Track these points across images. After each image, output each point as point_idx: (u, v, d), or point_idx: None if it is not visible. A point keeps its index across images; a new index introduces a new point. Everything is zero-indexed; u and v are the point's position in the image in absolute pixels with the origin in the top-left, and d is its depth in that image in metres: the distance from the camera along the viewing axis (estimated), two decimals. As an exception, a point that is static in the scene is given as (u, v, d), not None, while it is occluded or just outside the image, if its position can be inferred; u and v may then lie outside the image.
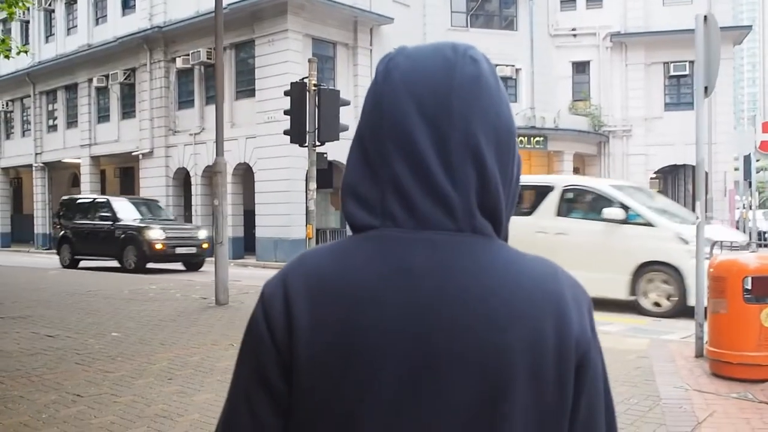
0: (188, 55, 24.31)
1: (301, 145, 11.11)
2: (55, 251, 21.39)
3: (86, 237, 19.48)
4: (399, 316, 0.82)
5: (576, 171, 27.07)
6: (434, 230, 0.85)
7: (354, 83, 24.01)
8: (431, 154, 0.85)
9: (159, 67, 26.21)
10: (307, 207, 11.23)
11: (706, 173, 27.55)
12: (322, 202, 25.40)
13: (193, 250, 19.03)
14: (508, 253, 0.87)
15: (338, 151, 23.80)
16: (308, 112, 10.79)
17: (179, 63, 24.82)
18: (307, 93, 10.83)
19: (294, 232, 22.06)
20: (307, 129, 10.82)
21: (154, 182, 26.57)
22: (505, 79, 27.78)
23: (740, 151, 21.22)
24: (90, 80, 28.97)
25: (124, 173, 30.97)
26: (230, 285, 10.75)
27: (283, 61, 21.97)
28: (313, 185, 11.23)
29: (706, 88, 7.53)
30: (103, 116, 29.37)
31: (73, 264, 19.88)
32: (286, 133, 11.49)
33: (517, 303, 0.82)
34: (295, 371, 0.84)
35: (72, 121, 30.71)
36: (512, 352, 0.81)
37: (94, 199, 21.19)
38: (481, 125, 0.86)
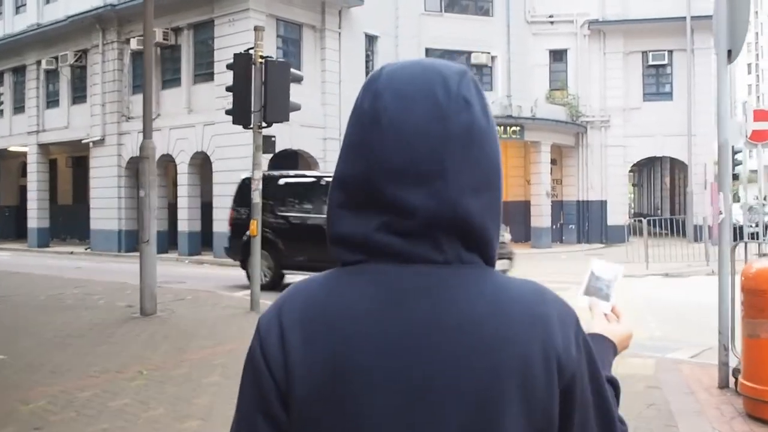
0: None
1: (246, 127, 9.70)
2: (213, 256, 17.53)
3: (300, 237, 12.62)
4: (389, 349, 0.84)
5: (554, 162, 25.99)
6: (422, 263, 0.87)
7: (321, 68, 22.59)
8: (420, 206, 0.86)
9: (112, 49, 24.49)
10: (251, 200, 9.82)
11: (686, 165, 26.92)
12: (287, 194, 23.93)
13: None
14: (496, 280, 0.89)
15: (306, 142, 22.74)
16: (254, 89, 9.37)
17: (134, 44, 23.08)
18: (253, 66, 9.39)
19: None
20: (252, 108, 9.39)
21: (105, 172, 24.86)
22: (480, 66, 26.60)
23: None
24: (38, 62, 27.05)
25: (76, 162, 29.10)
26: (169, 289, 9.32)
27: (244, 42, 20.35)
28: (258, 174, 9.81)
29: (729, 52, 5.92)
30: (52, 101, 27.51)
31: (276, 281, 12.83)
32: (228, 113, 10.06)
33: (505, 329, 0.84)
34: (292, 403, 0.86)
35: (19, 107, 28.74)
36: (503, 378, 0.82)
37: (319, 178, 14.01)
38: (471, 174, 0.88)
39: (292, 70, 10.30)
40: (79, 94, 26.36)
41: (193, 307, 9.77)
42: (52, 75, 27.28)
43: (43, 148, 28.00)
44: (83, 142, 25.36)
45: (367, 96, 0.90)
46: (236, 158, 20.71)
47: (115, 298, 10.64)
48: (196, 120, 21.90)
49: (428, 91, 0.87)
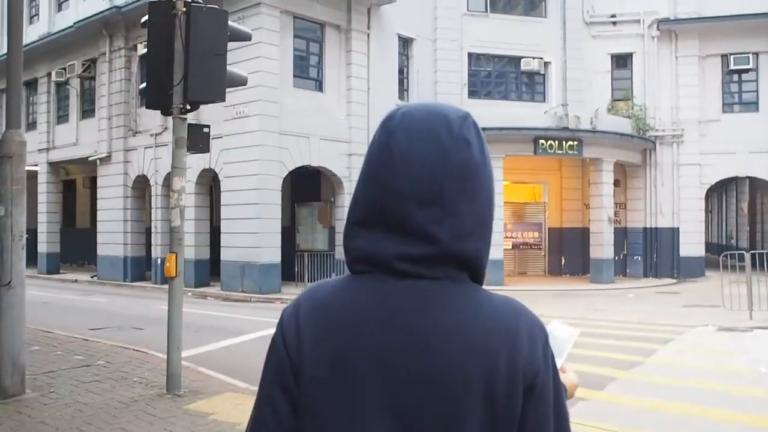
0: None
1: (165, 113, 6.76)
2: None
3: None
4: (378, 345, 1.02)
5: (617, 184, 22.45)
6: (416, 278, 1.04)
7: (347, 74, 19.75)
8: (420, 230, 1.03)
9: (119, 56, 22.22)
10: (170, 221, 6.82)
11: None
12: (309, 218, 21.15)
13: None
14: (478, 296, 1.05)
15: (329, 158, 19.93)
16: (176, 55, 6.42)
17: (141, 49, 20.65)
18: (177, 21, 6.43)
19: (264, 255, 17.75)
20: (174, 82, 6.42)
21: (111, 192, 22.48)
22: (531, 73, 23.41)
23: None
24: (49, 75, 25.01)
25: (93, 183, 26.84)
26: (93, 344, 6.43)
27: (255, 42, 17.74)
28: (180, 182, 6.76)
29: None
30: (62, 116, 25.43)
31: None
32: (141, 93, 7.15)
33: (477, 338, 1.01)
34: (301, 380, 1.04)
35: (31, 122, 26.73)
36: (471, 380, 0.99)
37: None
38: (468, 204, 1.04)
39: (234, 24, 7.30)
40: (87, 108, 24.22)
41: (92, 380, 6.84)
42: (62, 88, 25.24)
43: (54, 166, 25.94)
44: (90, 159, 23.08)
45: (384, 133, 1.08)
46: (246, 176, 17.99)
47: None
48: (204, 133, 19.26)
49: (434, 132, 1.05)
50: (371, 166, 1.07)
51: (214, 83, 6.51)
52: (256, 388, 6.88)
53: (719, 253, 35.78)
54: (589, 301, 16.34)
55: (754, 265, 13.74)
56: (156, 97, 6.60)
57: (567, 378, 1.31)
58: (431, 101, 1.31)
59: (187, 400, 6.16)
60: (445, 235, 1.02)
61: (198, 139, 6.93)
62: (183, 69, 6.34)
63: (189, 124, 6.78)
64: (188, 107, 6.53)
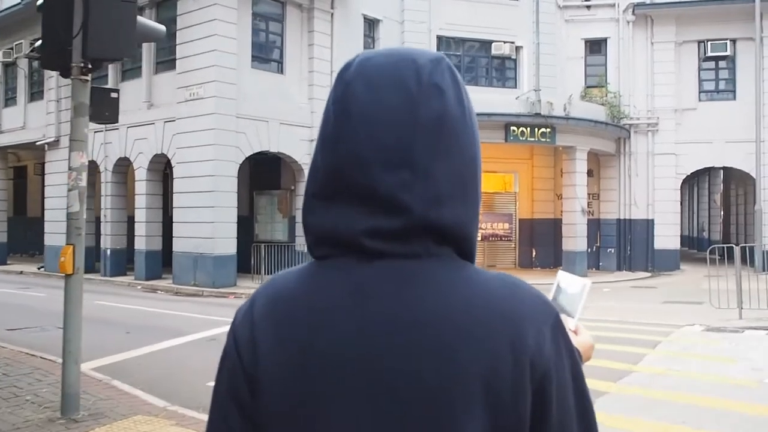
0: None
1: (64, 74, 5.68)
2: None
3: None
4: (353, 340, 0.85)
5: (590, 174, 21.68)
6: (391, 258, 0.87)
7: (309, 55, 18.68)
8: (388, 199, 0.86)
9: (68, 35, 20.88)
10: (67, 208, 5.77)
11: (754, 179, 22.51)
12: (268, 207, 20.08)
13: None
14: (466, 274, 0.88)
15: (289, 144, 18.89)
16: (75, 1, 5.35)
17: None
18: None
19: (219, 246, 16.68)
20: (73, 34, 5.36)
21: (60, 179, 21.08)
22: (502, 58, 22.55)
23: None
24: (-4, 54, 23.60)
25: (44, 170, 25.51)
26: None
27: (210, 19, 16.65)
28: (79, 158, 5.66)
29: None
30: (10, 98, 24.04)
31: None
32: (37, 51, 6.07)
33: (471, 326, 0.84)
34: (259, 390, 0.88)
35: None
36: (466, 377, 0.82)
37: None
38: (443, 164, 0.88)
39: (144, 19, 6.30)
40: (36, 90, 22.88)
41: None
42: (10, 69, 23.87)
43: (2, 152, 24.55)
44: (38, 144, 21.78)
45: (339, 86, 0.91)
46: (200, 161, 16.89)
47: None
48: (156, 116, 18.15)
49: (399, 79, 0.88)
50: (328, 127, 0.91)
51: (122, 36, 5.44)
52: (176, 408, 5.35)
53: (690, 246, 35.59)
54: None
55: (726, 256, 13.02)
56: (51, 54, 5.54)
57: (580, 340, 1.13)
58: (397, 46, 0.78)
59: (82, 427, 5.12)
60: (417, 201, 0.86)
61: (104, 107, 5.87)
62: (82, 19, 5.28)
63: (93, 88, 5.72)
64: (89, 66, 5.48)
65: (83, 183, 5.66)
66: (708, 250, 13.88)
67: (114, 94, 6.07)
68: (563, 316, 1.10)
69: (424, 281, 0.86)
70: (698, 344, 9.71)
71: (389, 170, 0.86)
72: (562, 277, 1.20)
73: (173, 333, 9.85)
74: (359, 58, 0.92)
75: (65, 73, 5.57)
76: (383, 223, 0.86)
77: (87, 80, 5.57)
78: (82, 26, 5.27)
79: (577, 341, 1.09)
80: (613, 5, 22.32)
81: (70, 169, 5.61)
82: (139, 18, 5.78)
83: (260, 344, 0.88)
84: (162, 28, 6.42)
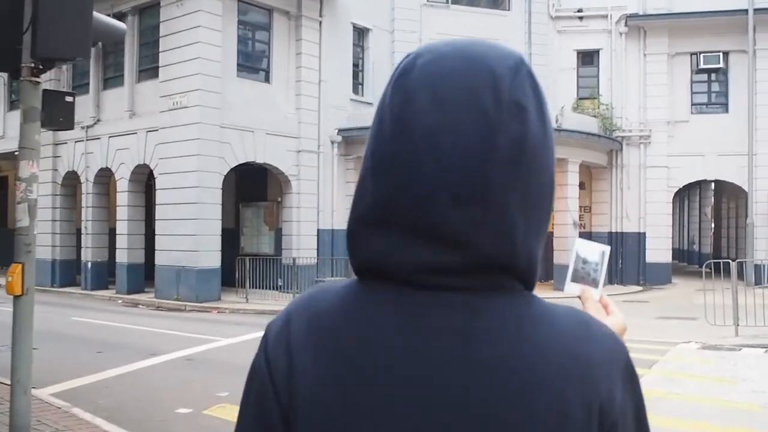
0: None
1: (13, 75, 5.22)
2: None
3: None
4: (410, 387, 0.76)
5: (581, 186, 21.38)
6: (450, 291, 0.78)
7: (296, 64, 18.29)
8: (455, 236, 0.76)
9: (50, 42, 20.41)
10: (16, 222, 5.33)
11: (746, 192, 22.28)
12: (254, 219, 19.62)
13: None
14: (537, 310, 0.80)
15: (276, 154, 18.48)
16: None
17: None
18: None
19: (203, 259, 16.20)
20: (23, 30, 4.91)
21: (40, 190, 20.30)
22: (493, 69, 22.23)
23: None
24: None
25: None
26: None
27: (194, 26, 16.23)
28: (29, 168, 5.17)
29: None
30: (-9, 107, 23.49)
31: None
32: None
33: (541, 369, 0.76)
34: (296, 423, 0.79)
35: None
36: (534, 422, 0.75)
37: None
38: (520, 195, 0.77)
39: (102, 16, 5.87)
40: (15, 98, 22.30)
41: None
42: (-9, 76, 23.33)
43: (-19, 161, 23.98)
44: (16, 153, 21.17)
45: (398, 95, 0.78)
46: (183, 172, 16.42)
47: None
48: (139, 125, 17.68)
49: (473, 95, 0.76)
50: (382, 148, 0.79)
51: (76, 34, 4.99)
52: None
53: (680, 259, 35.32)
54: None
55: (717, 270, 12.65)
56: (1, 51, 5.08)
57: (612, 321, 1.04)
58: (462, 39, 0.83)
59: (34, 461, 4.66)
60: (488, 239, 0.77)
61: (58, 112, 5.39)
62: (31, 14, 4.83)
63: (45, 91, 5.26)
64: (41, 66, 5.03)
65: (33, 195, 5.20)
66: (704, 266, 13.55)
67: (69, 98, 5.59)
68: (588, 287, 1.10)
69: (491, 317, 0.77)
70: (695, 363, 9.45)
71: (457, 207, 0.75)
72: (581, 245, 1.14)
73: (149, 352, 9.34)
74: (422, 59, 0.78)
75: (14, 75, 5.12)
76: (442, 258, 0.76)
77: (38, 82, 5.11)
78: (31, 21, 4.82)
79: (609, 322, 1.01)
80: (606, 16, 22.10)
81: (19, 180, 5.16)
82: (96, 14, 5.34)
83: (299, 374, 0.79)
84: (122, 25, 6.01)
